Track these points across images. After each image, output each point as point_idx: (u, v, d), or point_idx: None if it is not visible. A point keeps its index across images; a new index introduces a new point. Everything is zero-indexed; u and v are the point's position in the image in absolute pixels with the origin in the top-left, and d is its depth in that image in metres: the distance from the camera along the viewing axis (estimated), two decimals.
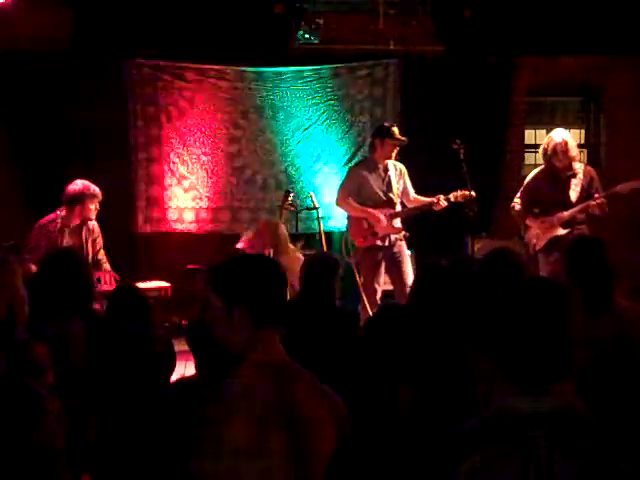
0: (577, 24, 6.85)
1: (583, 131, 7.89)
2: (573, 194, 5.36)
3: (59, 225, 5.16)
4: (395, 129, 5.61)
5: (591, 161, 5.66)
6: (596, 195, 5.27)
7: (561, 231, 5.36)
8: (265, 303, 1.81)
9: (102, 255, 5.32)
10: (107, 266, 5.29)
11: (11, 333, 2.23)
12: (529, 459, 1.49)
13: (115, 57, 6.82)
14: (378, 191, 5.68)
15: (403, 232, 5.77)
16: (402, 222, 5.84)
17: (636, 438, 1.53)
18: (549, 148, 5.38)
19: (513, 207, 5.63)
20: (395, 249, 5.69)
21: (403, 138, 5.61)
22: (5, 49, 6.53)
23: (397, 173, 5.75)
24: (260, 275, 1.85)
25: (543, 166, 5.57)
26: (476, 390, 2.56)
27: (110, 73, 6.82)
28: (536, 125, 7.92)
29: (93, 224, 5.31)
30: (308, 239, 6.94)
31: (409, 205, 5.82)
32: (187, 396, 1.80)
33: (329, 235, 6.93)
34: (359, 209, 5.68)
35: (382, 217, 5.63)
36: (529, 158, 7.90)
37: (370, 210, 5.64)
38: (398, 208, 5.75)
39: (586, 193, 5.34)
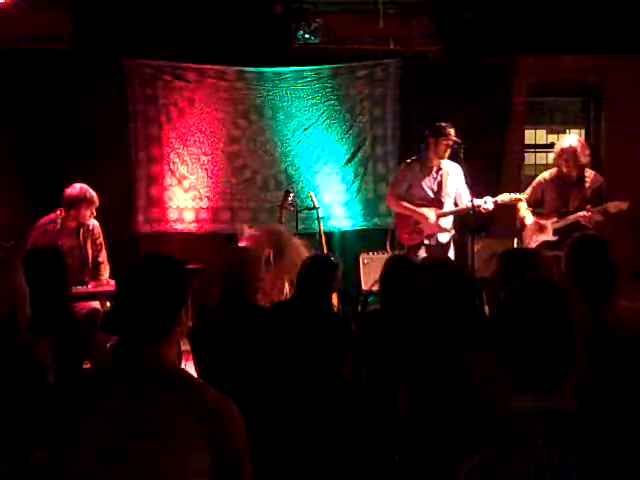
0: (577, 24, 6.84)
1: (583, 131, 7.90)
2: (573, 203, 5.42)
3: (59, 226, 5.16)
4: (450, 130, 5.60)
5: (591, 161, 5.69)
6: (588, 207, 5.33)
7: (552, 237, 5.42)
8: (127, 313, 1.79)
9: (103, 257, 5.30)
10: (105, 273, 5.27)
11: (14, 332, 2.23)
12: (530, 458, 1.48)
13: (115, 57, 6.82)
14: (427, 190, 5.70)
15: (453, 232, 5.79)
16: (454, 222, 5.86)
17: (636, 438, 1.53)
18: (558, 152, 5.47)
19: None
20: (441, 249, 5.70)
21: (457, 139, 5.59)
22: (5, 49, 6.53)
23: (452, 173, 5.75)
24: (124, 281, 1.84)
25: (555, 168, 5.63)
26: (475, 390, 2.56)
27: (110, 73, 6.81)
28: (536, 125, 7.92)
29: (93, 224, 5.29)
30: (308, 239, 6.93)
31: (462, 206, 5.80)
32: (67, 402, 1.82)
33: (329, 235, 6.93)
34: (408, 208, 5.70)
35: (431, 215, 5.63)
36: (529, 158, 7.91)
37: (418, 209, 5.66)
38: (447, 208, 5.75)
39: (588, 203, 5.38)
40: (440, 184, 5.71)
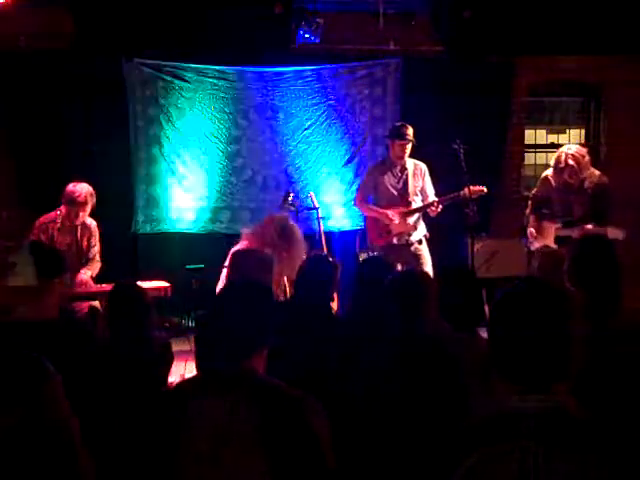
0: (577, 24, 6.85)
1: (583, 131, 7.90)
2: (577, 209, 5.36)
3: (59, 225, 5.18)
4: (405, 130, 5.68)
5: (591, 161, 5.66)
6: (589, 225, 5.16)
7: (552, 244, 5.39)
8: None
9: (93, 254, 5.33)
10: (94, 271, 5.29)
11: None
12: (527, 458, 1.49)
13: (115, 57, 6.82)
14: (392, 190, 5.77)
15: (424, 232, 5.83)
16: (424, 221, 5.88)
17: (636, 438, 1.53)
18: (558, 169, 5.28)
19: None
20: (413, 249, 5.76)
21: (410, 138, 5.67)
22: (5, 48, 6.53)
23: (417, 172, 5.82)
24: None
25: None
26: (468, 391, 2.56)
27: (110, 73, 6.81)
28: (536, 125, 7.94)
29: (90, 222, 5.33)
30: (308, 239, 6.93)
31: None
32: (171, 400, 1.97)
33: (329, 235, 6.94)
34: (373, 210, 5.81)
35: (393, 216, 5.68)
36: (529, 158, 7.92)
37: (382, 210, 5.74)
38: (415, 207, 5.80)
39: (593, 209, 5.25)
40: (405, 183, 5.77)
